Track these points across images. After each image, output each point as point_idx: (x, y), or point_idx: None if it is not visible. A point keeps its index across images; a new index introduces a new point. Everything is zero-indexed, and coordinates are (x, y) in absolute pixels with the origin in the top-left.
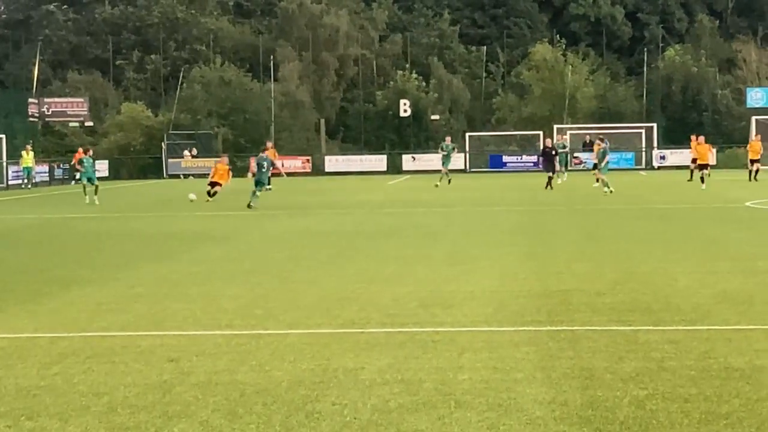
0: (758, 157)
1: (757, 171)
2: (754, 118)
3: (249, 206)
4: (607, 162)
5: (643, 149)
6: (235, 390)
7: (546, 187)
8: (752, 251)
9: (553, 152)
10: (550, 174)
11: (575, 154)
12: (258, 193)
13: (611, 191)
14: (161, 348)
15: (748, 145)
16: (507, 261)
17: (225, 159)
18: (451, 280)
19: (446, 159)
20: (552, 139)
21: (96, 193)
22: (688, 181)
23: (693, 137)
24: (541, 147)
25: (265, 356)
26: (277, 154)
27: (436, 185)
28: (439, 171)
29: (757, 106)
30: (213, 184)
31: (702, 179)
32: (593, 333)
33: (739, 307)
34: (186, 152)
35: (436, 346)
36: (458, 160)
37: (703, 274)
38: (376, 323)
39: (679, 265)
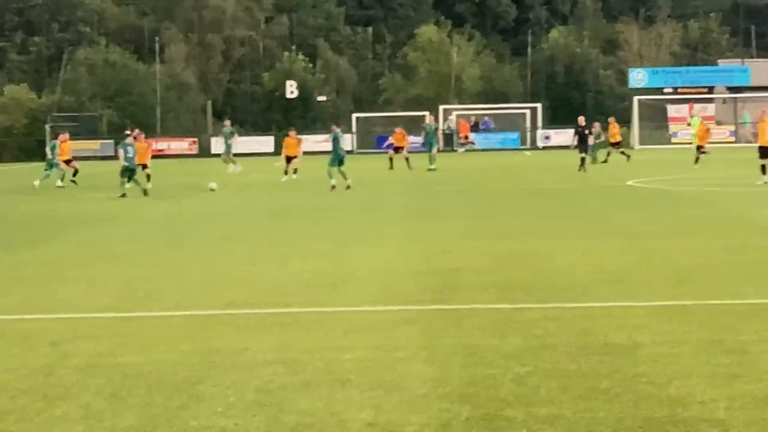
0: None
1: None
2: (636, 98)
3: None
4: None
5: (528, 129)
6: (117, 372)
7: (579, 168)
8: (632, 229)
9: (587, 131)
10: (583, 155)
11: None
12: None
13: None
14: (42, 331)
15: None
16: (393, 242)
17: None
18: (337, 260)
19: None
20: (584, 118)
21: None
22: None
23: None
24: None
25: (148, 338)
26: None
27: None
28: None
29: (639, 86)
30: None
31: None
32: (476, 311)
33: (618, 285)
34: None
35: (321, 326)
36: (346, 142)
37: (584, 252)
38: (261, 304)
39: (561, 243)
